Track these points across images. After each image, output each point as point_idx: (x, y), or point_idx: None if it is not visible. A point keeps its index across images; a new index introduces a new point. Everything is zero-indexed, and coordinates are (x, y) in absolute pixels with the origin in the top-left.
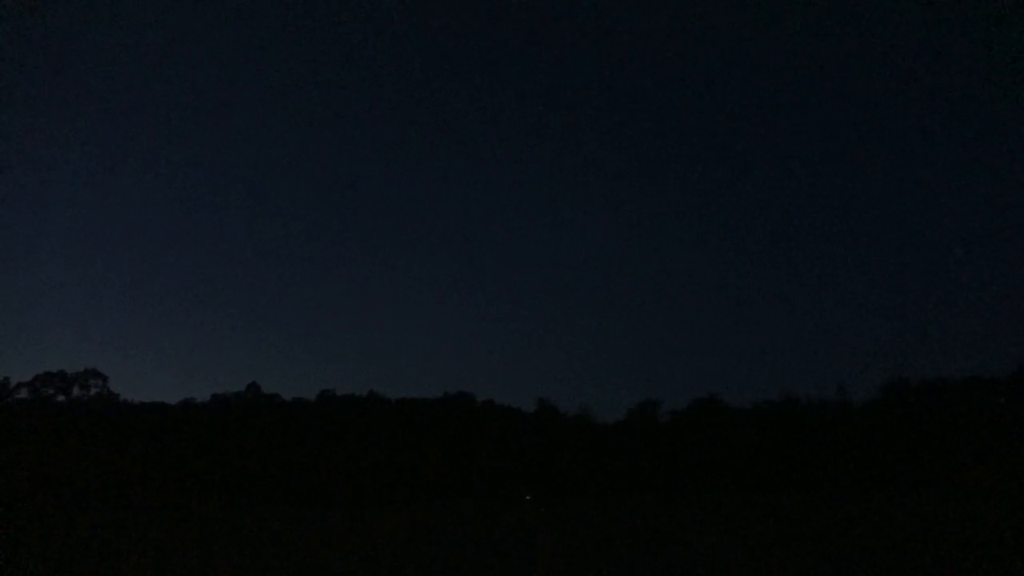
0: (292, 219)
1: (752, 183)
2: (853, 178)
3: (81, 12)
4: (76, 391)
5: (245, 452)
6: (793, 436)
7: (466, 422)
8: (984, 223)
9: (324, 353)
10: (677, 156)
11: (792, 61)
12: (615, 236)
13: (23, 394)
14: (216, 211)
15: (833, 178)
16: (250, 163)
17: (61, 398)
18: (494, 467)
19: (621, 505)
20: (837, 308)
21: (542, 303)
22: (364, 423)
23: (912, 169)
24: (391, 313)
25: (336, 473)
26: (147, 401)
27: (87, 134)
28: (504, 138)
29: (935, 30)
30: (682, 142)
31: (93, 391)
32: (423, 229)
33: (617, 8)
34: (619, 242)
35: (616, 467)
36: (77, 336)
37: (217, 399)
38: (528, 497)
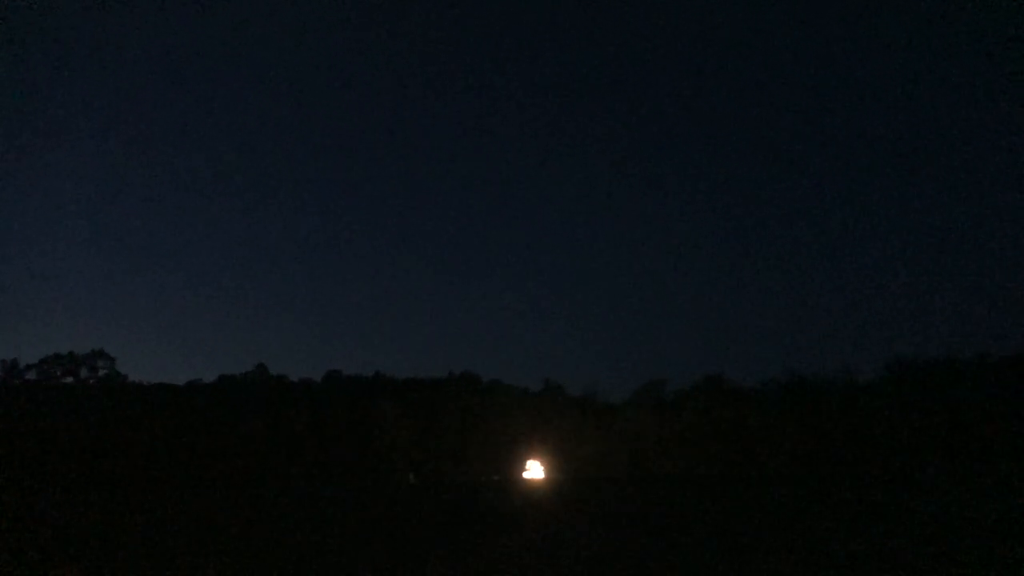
0: (299, 200)
1: (754, 161)
2: (856, 155)
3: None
4: (84, 372)
5: (252, 432)
6: (798, 414)
7: (472, 401)
8: (991, 201)
9: (331, 334)
10: (679, 136)
11: (812, 45)
12: (620, 215)
13: (31, 375)
14: (223, 192)
15: (836, 155)
16: (256, 144)
17: (69, 379)
18: (501, 446)
19: (625, 483)
20: (842, 286)
21: (548, 282)
22: (370, 403)
23: (917, 145)
24: (397, 294)
25: (342, 452)
26: (155, 382)
27: (90, 111)
28: (506, 118)
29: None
30: (684, 121)
31: (101, 372)
32: (428, 210)
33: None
34: (624, 221)
35: (628, 445)
36: (85, 318)
37: (224, 380)
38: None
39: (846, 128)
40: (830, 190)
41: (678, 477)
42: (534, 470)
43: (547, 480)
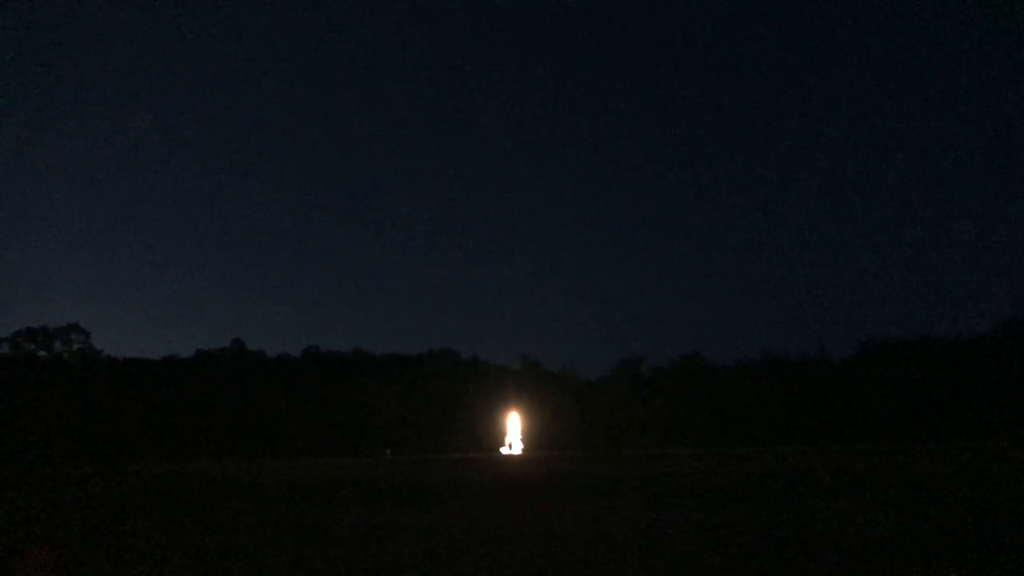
0: (278, 176)
1: (734, 148)
2: (833, 144)
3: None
4: (58, 346)
5: (229, 407)
6: (774, 392)
7: (452, 378)
8: (966, 184)
9: (309, 310)
10: (659, 120)
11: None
12: (600, 197)
13: (4, 349)
14: (201, 168)
15: (815, 143)
16: (235, 122)
17: (43, 353)
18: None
19: (607, 459)
20: (818, 268)
21: (527, 260)
22: (350, 379)
23: (892, 134)
24: (376, 270)
25: (320, 428)
26: (130, 357)
27: (69, 88)
28: (491, 99)
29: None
30: (665, 105)
31: (75, 347)
32: (408, 186)
33: None
34: (604, 202)
35: (603, 422)
36: (59, 291)
37: (201, 355)
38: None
39: (824, 116)
40: (809, 176)
41: (655, 452)
42: (513, 445)
43: (526, 455)
